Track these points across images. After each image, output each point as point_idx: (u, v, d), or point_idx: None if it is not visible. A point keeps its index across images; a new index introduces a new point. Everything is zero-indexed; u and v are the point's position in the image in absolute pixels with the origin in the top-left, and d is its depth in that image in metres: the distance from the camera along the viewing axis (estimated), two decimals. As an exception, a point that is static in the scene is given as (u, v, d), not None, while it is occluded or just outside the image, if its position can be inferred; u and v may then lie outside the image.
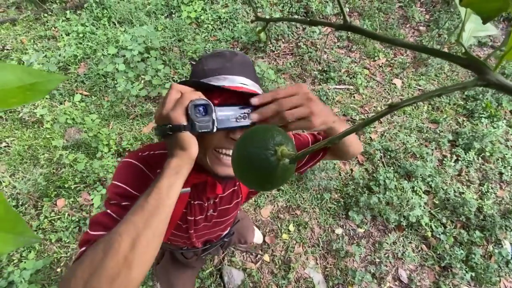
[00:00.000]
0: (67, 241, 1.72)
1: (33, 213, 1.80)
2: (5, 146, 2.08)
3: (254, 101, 0.51)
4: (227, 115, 0.52)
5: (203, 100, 0.49)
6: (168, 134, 0.49)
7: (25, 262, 1.60)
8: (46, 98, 2.22)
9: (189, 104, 0.48)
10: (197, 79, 0.62)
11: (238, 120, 0.53)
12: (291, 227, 1.80)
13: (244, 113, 0.54)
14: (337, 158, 0.82)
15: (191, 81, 0.54)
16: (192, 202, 0.72)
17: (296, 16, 2.69)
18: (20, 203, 1.82)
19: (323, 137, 0.80)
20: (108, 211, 0.56)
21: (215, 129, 0.51)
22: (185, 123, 0.48)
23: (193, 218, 0.75)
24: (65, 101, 2.27)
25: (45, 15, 2.71)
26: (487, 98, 2.22)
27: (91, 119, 2.00)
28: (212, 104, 0.51)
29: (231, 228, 1.01)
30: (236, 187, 0.79)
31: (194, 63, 0.68)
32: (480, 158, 2.02)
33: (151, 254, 0.45)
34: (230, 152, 0.60)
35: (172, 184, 0.49)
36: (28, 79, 0.18)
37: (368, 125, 0.17)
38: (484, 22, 0.17)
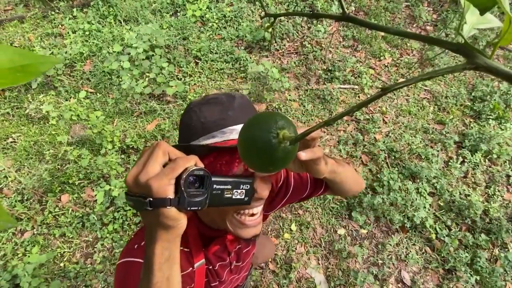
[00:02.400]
0: (70, 236, 1.74)
1: (38, 208, 1.82)
2: (11, 142, 2.11)
3: (303, 156, 0.44)
4: (223, 188, 0.44)
5: (201, 171, 0.40)
6: (146, 209, 0.38)
7: (28, 256, 1.62)
8: (52, 95, 2.24)
9: (183, 175, 0.38)
10: (194, 136, 0.53)
11: (234, 196, 0.45)
12: (293, 227, 1.79)
13: (243, 185, 0.46)
14: (338, 195, 0.79)
15: (193, 146, 0.47)
16: (212, 268, 0.66)
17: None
18: (25, 198, 1.85)
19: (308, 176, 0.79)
20: None
21: (206, 206, 0.43)
22: (172, 196, 0.38)
23: (217, 282, 0.69)
24: (70, 97, 2.29)
25: (52, 13, 2.75)
26: (495, 99, 2.18)
27: (96, 116, 2.01)
28: (210, 176, 0.42)
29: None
30: None
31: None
32: (487, 160, 1.98)
33: None
34: (254, 210, 0.55)
35: (170, 277, 0.40)
36: (20, 60, 0.18)
37: (361, 108, 0.17)
38: (481, 13, 0.17)
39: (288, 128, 0.24)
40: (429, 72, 0.15)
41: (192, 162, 0.40)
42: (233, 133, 0.51)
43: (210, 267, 0.66)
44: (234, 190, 0.45)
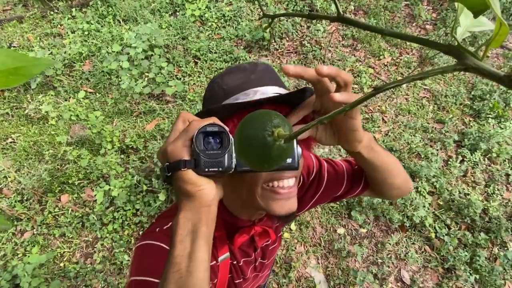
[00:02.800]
0: (70, 236, 1.74)
1: (38, 208, 1.82)
2: (11, 142, 2.11)
3: (338, 97, 0.37)
4: None
5: (215, 126, 0.37)
6: (167, 176, 0.37)
7: (28, 256, 1.63)
8: (51, 95, 2.24)
9: (195, 133, 0.36)
10: (217, 102, 0.50)
11: None
12: (293, 226, 1.79)
13: None
14: (380, 195, 0.66)
15: (213, 108, 0.43)
16: (236, 263, 0.60)
17: (300, 14, 2.68)
18: (25, 198, 1.85)
19: (356, 166, 0.68)
20: None
21: (232, 169, 0.38)
22: (186, 157, 0.36)
23: (241, 279, 0.63)
24: (70, 97, 2.29)
25: (51, 12, 2.74)
26: (494, 98, 2.18)
27: (95, 116, 2.01)
28: (229, 134, 0.38)
29: None
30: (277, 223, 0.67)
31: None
32: (486, 159, 1.98)
33: None
34: (286, 182, 0.48)
35: (192, 252, 0.36)
36: (12, 63, 0.18)
37: (355, 107, 0.17)
38: (475, 16, 0.18)
39: (283, 126, 0.24)
40: (421, 73, 0.16)
41: (205, 120, 0.37)
42: (257, 94, 0.47)
43: (235, 262, 0.60)
44: None
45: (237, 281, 0.62)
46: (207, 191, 0.37)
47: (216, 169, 0.37)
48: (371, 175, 0.59)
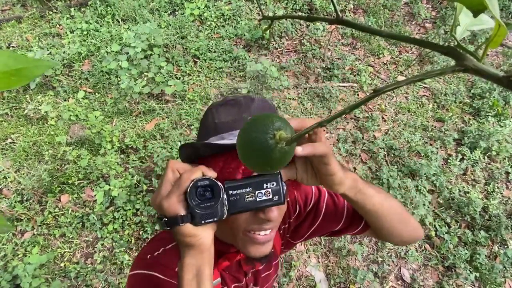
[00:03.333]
0: (70, 237, 1.74)
1: (38, 208, 1.82)
2: (10, 142, 2.10)
3: (299, 151, 0.36)
4: (242, 192, 0.41)
5: (205, 180, 0.39)
6: (165, 229, 0.39)
7: (29, 256, 1.63)
8: (51, 95, 2.24)
9: (188, 187, 0.38)
10: (206, 136, 0.51)
11: (258, 197, 0.42)
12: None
13: (267, 184, 0.42)
14: (383, 238, 0.62)
15: (196, 143, 0.44)
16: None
17: (299, 13, 2.67)
18: (25, 198, 1.85)
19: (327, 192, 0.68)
20: None
21: (224, 215, 0.41)
22: (182, 213, 0.38)
23: None
24: (69, 98, 2.29)
25: (50, 12, 2.73)
26: (494, 97, 2.18)
27: (95, 116, 2.01)
28: (219, 184, 0.40)
29: None
30: (272, 250, 0.67)
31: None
32: (486, 157, 1.99)
33: None
34: (263, 232, 0.50)
35: None
36: (14, 64, 0.18)
37: (355, 109, 0.17)
38: (475, 16, 0.18)
39: (285, 129, 0.24)
40: (419, 75, 0.16)
41: (198, 173, 0.39)
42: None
43: (225, 287, 0.61)
44: (257, 192, 0.42)
45: None
46: (206, 238, 0.40)
47: (211, 219, 0.39)
48: (366, 219, 0.57)
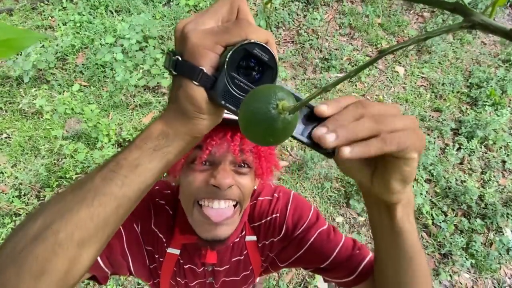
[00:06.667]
0: (69, 231, 1.74)
1: (36, 203, 1.81)
2: (5, 137, 2.08)
3: (322, 109, 0.29)
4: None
5: (267, 54, 0.28)
6: (170, 71, 0.28)
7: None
8: (45, 89, 2.20)
9: (237, 45, 0.27)
10: None
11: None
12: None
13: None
14: None
15: None
16: (182, 263, 0.60)
17: (296, 3, 2.64)
18: (23, 193, 1.84)
19: (358, 250, 0.58)
20: None
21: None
22: (206, 68, 0.27)
23: (183, 281, 0.61)
24: (64, 91, 2.26)
25: (42, 4, 2.67)
26: (491, 86, 2.18)
27: (90, 110, 1.99)
28: (277, 66, 0.29)
29: None
30: (242, 257, 0.62)
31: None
32: (483, 146, 2.00)
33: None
34: (215, 203, 0.47)
35: (140, 164, 0.28)
36: (2, 34, 0.17)
37: (360, 71, 0.17)
38: None
39: (288, 99, 0.24)
40: (426, 33, 0.15)
41: (262, 35, 0.27)
42: None
43: (182, 261, 0.59)
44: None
45: (178, 279, 0.61)
46: (205, 123, 0.29)
47: (234, 108, 0.28)
48: (385, 261, 0.41)
